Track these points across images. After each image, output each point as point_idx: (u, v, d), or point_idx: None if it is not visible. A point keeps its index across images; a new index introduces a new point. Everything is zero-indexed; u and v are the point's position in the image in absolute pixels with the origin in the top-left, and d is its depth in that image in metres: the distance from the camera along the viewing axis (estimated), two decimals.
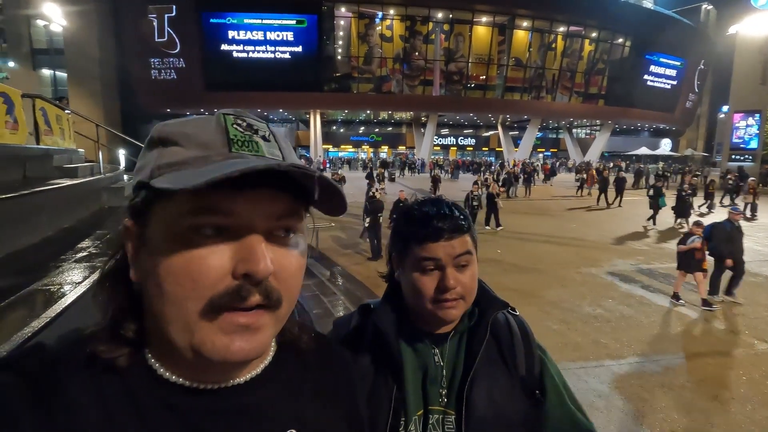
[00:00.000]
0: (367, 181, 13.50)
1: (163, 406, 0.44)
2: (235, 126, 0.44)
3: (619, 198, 16.18)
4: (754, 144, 25.34)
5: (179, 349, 0.42)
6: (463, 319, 0.85)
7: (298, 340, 0.56)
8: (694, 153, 40.95)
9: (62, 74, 24.67)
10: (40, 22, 22.79)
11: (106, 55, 25.16)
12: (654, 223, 11.99)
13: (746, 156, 25.54)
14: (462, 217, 0.81)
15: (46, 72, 25.33)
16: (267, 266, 0.41)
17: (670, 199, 12.40)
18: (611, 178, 17.31)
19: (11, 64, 24.72)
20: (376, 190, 10.53)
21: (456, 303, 0.78)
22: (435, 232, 0.78)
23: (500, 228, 11.05)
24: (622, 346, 4.71)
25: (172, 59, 27.31)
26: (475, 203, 10.84)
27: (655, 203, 12.22)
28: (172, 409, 0.44)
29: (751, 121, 25.33)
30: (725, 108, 34.20)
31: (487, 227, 11.16)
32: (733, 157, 26.04)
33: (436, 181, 16.59)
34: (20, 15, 23.49)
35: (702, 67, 39.13)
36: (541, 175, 27.77)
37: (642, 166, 29.05)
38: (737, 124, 25.98)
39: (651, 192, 12.61)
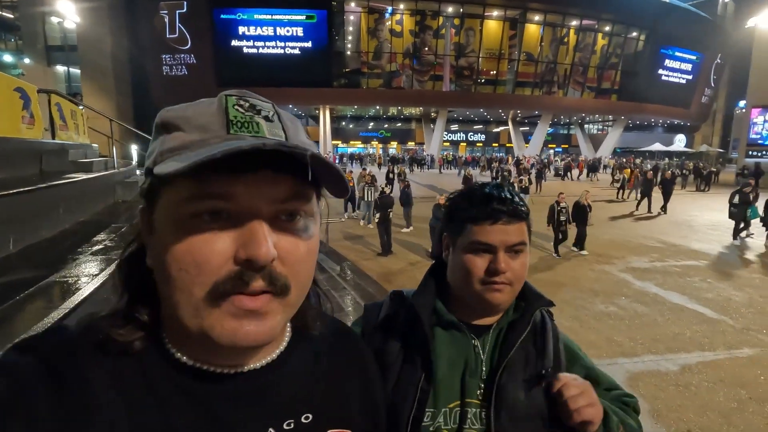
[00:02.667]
0: (386, 181, 13.31)
1: (178, 390, 0.44)
2: (236, 107, 0.44)
3: (665, 202, 13.82)
4: None
5: (191, 333, 0.42)
6: (508, 311, 0.84)
7: (313, 325, 0.56)
8: (709, 149, 40.19)
9: (76, 70, 24.97)
10: (54, 19, 23.12)
11: (119, 51, 25.40)
12: (742, 239, 9.81)
13: (764, 152, 24.93)
14: (522, 204, 0.80)
15: (61, 68, 25.66)
16: (269, 251, 0.40)
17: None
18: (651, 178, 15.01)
19: (26, 60, 25.10)
20: (386, 185, 10.55)
21: (504, 287, 0.77)
22: (494, 213, 0.77)
23: (584, 252, 8.44)
24: (636, 344, 4.65)
25: (183, 55, 27.46)
26: (563, 218, 8.30)
27: (741, 213, 9.68)
28: (187, 392, 0.44)
29: None
30: (742, 103, 33.54)
31: (574, 249, 8.54)
32: (750, 153, 25.43)
33: (468, 181, 15.82)
34: (35, 12, 23.80)
35: (719, 61, 38.25)
36: (574, 172, 26.99)
37: (659, 163, 28.47)
38: (755, 120, 25.32)
39: (736, 199, 9.86)
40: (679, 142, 41.20)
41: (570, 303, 5.74)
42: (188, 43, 27.13)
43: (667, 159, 36.21)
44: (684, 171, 24.05)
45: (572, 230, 8.62)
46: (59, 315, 2.04)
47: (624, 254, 8.39)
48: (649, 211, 13.79)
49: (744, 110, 28.89)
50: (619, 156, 38.39)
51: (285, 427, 0.48)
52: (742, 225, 9.86)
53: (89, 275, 2.57)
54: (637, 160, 32.18)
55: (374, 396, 0.62)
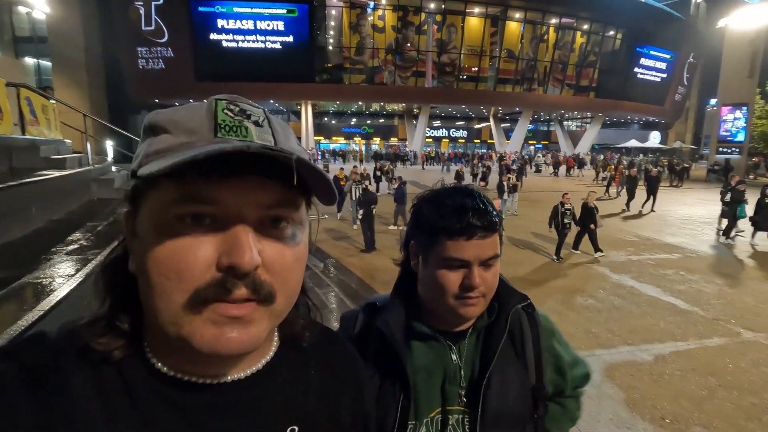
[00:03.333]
0: (373, 178, 13.09)
1: (160, 399, 0.43)
2: (225, 111, 0.42)
3: (651, 200, 13.43)
4: (741, 137, 25.69)
5: (172, 341, 0.41)
6: (483, 315, 0.82)
7: (301, 335, 0.54)
8: (682, 145, 41.48)
9: (46, 63, 24.05)
10: (22, 9, 22.15)
11: (92, 43, 24.53)
12: (730, 238, 9.47)
13: (733, 149, 25.92)
14: (494, 212, 0.75)
15: (30, 61, 24.65)
16: (252, 258, 0.39)
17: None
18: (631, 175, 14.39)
19: None
20: (369, 182, 10.49)
21: (477, 301, 0.75)
22: (469, 228, 0.72)
23: (601, 254, 7.96)
24: (613, 335, 4.78)
25: (160, 48, 26.73)
26: (567, 221, 7.83)
27: (732, 212, 9.38)
28: (168, 402, 0.43)
29: (738, 114, 25.64)
30: (713, 101, 34.67)
31: (576, 251, 8.18)
32: (721, 149, 26.41)
33: (459, 178, 15.25)
34: (1, 2, 22.78)
35: (691, 60, 39.44)
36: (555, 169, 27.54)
37: (635, 159, 29.25)
38: (725, 117, 26.29)
39: (728, 197, 9.51)
40: (654, 139, 42.40)
41: (550, 296, 5.87)
42: (165, 35, 26.41)
43: (641, 155, 37.24)
44: (658, 167, 24.78)
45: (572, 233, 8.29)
46: (33, 317, 1.98)
47: (602, 248, 8.59)
48: (627, 208, 13.70)
49: (715, 108, 29.91)
50: (597, 152, 39.28)
51: None
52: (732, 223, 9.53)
53: (64, 276, 2.50)
54: (616, 156, 32.94)
55: (365, 406, 0.61)
